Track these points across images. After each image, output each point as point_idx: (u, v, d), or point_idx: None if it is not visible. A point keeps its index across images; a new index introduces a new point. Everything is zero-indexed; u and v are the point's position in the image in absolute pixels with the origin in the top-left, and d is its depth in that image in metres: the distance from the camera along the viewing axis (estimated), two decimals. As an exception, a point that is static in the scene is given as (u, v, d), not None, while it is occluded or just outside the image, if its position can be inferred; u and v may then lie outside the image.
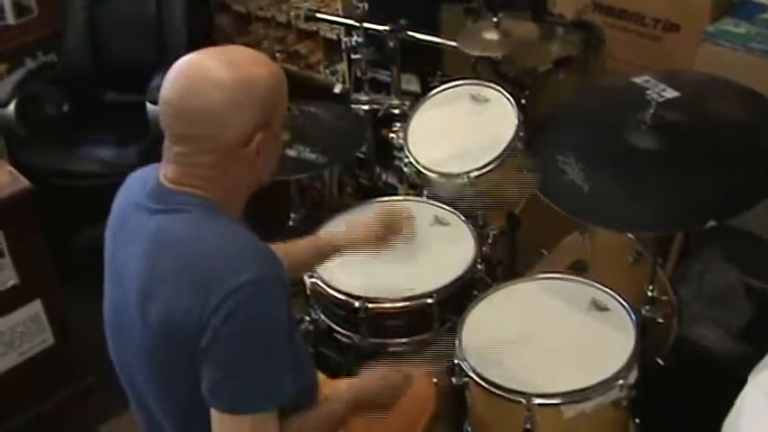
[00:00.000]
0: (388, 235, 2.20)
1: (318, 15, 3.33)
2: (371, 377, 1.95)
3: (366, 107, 3.07)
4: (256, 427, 1.59)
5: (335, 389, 1.93)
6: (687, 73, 2.69)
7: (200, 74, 1.58)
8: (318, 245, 2.20)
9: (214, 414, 1.59)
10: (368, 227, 2.19)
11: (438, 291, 2.31)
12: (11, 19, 3.74)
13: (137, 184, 1.73)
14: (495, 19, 2.77)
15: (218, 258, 1.57)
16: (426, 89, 2.97)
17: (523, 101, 2.84)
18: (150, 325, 1.61)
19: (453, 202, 2.57)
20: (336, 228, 2.52)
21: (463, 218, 2.54)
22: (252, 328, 1.54)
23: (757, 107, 2.30)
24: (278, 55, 2.89)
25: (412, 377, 1.98)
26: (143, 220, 1.65)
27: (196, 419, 1.64)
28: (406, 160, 2.65)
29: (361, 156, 3.27)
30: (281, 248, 1.90)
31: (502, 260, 2.73)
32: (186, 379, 1.61)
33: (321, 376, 2.01)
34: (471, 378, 2.07)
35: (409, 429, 2.11)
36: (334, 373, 2.09)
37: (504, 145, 2.53)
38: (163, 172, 1.66)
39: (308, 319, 2.56)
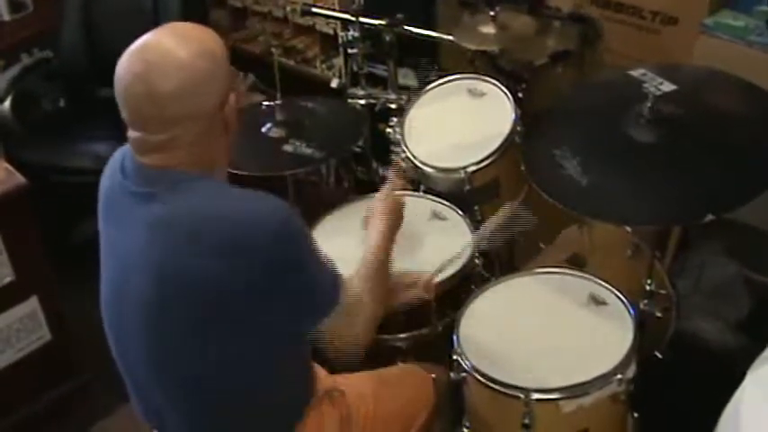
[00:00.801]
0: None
1: (315, 10, 3.33)
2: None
3: (363, 102, 3.06)
4: (346, 309, 1.76)
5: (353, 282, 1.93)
6: (685, 66, 2.68)
7: (167, 55, 1.58)
8: None
9: (327, 323, 1.73)
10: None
11: (436, 286, 2.30)
12: (6, 15, 3.73)
13: (115, 165, 1.74)
14: (491, 13, 2.77)
15: (238, 221, 1.60)
16: (423, 83, 2.97)
17: (520, 95, 2.84)
18: (166, 305, 1.62)
19: (450, 197, 2.56)
20: (333, 225, 2.53)
21: (460, 212, 2.53)
22: (296, 258, 1.65)
23: (755, 100, 2.29)
24: (274, 50, 2.88)
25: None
26: (137, 210, 1.65)
27: (197, 401, 1.64)
28: (403, 155, 2.64)
29: (358, 150, 3.26)
30: None
31: (499, 254, 2.73)
32: (194, 350, 1.63)
33: (321, 372, 2.01)
34: (469, 373, 2.06)
35: (409, 419, 2.11)
36: (332, 369, 2.08)
37: (501, 139, 2.52)
38: (140, 161, 1.65)
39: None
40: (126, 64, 1.60)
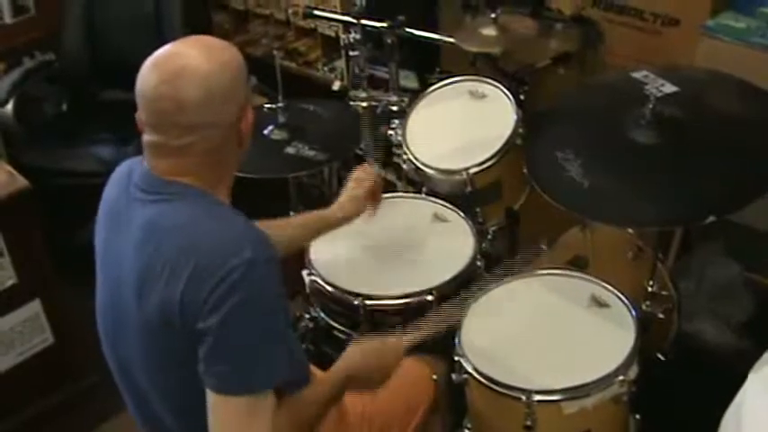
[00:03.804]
0: (372, 198, 2.34)
1: (316, 12, 3.32)
2: (361, 357, 1.92)
3: (364, 104, 3.06)
4: (252, 407, 1.60)
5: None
6: (686, 68, 2.68)
7: (195, 64, 1.61)
8: (311, 218, 2.29)
9: (210, 396, 1.60)
10: (352, 196, 2.30)
11: (438, 287, 2.30)
12: (8, 18, 3.73)
13: (122, 178, 1.76)
14: (493, 15, 2.77)
15: (213, 242, 1.60)
16: (424, 86, 2.97)
17: (522, 97, 2.84)
18: (150, 314, 1.62)
19: (452, 199, 2.56)
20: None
21: (462, 214, 2.53)
22: (248, 308, 1.57)
23: (757, 101, 2.29)
24: (276, 52, 2.88)
25: (401, 350, 1.99)
26: (136, 212, 1.67)
27: (195, 407, 1.64)
28: (405, 157, 2.64)
29: (360, 153, 3.26)
30: (275, 225, 2.04)
31: (501, 256, 2.73)
32: (185, 366, 1.62)
33: (316, 371, 2.01)
34: (471, 375, 2.06)
35: (409, 420, 2.11)
36: (327, 367, 2.08)
37: (502, 141, 2.52)
38: (152, 165, 1.68)
39: (307, 316, 2.55)
40: (151, 70, 1.63)
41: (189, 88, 1.59)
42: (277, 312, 1.64)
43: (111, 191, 1.80)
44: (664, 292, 2.45)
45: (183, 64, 1.61)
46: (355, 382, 1.88)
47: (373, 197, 2.35)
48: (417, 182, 2.70)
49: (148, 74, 1.62)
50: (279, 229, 2.09)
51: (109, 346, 1.82)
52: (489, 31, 2.76)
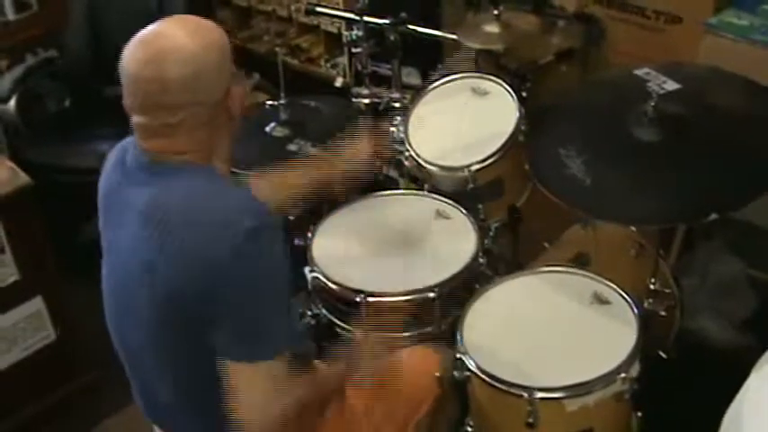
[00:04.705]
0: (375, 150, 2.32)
1: (319, 9, 3.33)
2: (364, 354, 1.95)
3: (367, 101, 3.06)
4: (271, 372, 1.63)
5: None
6: (688, 65, 2.68)
7: (177, 43, 1.63)
8: (313, 172, 2.29)
9: (230, 366, 1.63)
10: (354, 147, 2.30)
11: (440, 284, 2.30)
12: (11, 14, 3.73)
13: (117, 163, 1.78)
14: (495, 12, 2.77)
15: (216, 215, 1.62)
16: (427, 82, 2.97)
17: (524, 94, 2.83)
18: (157, 294, 1.64)
19: (454, 196, 2.56)
20: (338, 224, 2.53)
21: (464, 211, 2.53)
22: (258, 274, 1.61)
23: (760, 99, 2.29)
24: (278, 49, 2.88)
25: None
26: (133, 195, 1.69)
27: (205, 388, 1.65)
28: (407, 154, 2.64)
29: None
30: (276, 180, 2.13)
31: (503, 253, 2.73)
32: (194, 344, 1.64)
33: (319, 364, 2.02)
34: (473, 372, 2.06)
35: (411, 417, 2.11)
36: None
37: (505, 138, 2.52)
38: (143, 146, 1.69)
39: (309, 313, 2.55)
40: (135, 50, 1.64)
41: (173, 68, 1.60)
42: (286, 276, 1.67)
43: (106, 178, 1.82)
44: (666, 290, 2.44)
45: (166, 44, 1.62)
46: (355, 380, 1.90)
47: (378, 151, 2.34)
48: (419, 179, 2.70)
49: (131, 55, 1.63)
50: (275, 192, 2.14)
51: (116, 331, 1.82)
52: (492, 28, 2.76)
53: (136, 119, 1.67)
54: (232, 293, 1.59)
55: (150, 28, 1.67)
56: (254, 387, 1.63)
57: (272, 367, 1.64)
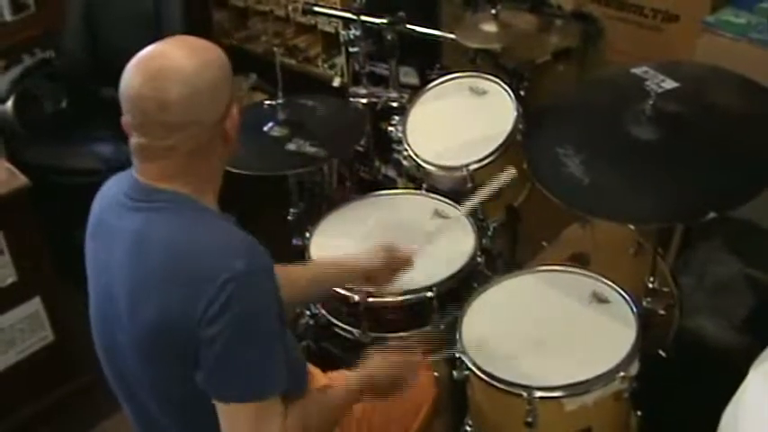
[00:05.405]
0: (387, 272, 2.17)
1: (316, 9, 3.32)
2: (379, 367, 1.92)
3: (365, 100, 3.05)
4: (262, 412, 1.61)
5: (341, 375, 1.93)
6: (686, 63, 2.67)
7: (177, 64, 1.61)
8: (327, 267, 2.22)
9: (219, 406, 1.60)
10: (370, 262, 2.14)
11: (438, 284, 2.30)
12: (8, 15, 3.72)
13: (112, 188, 1.76)
14: (493, 11, 2.77)
15: (206, 253, 1.60)
16: (425, 82, 2.96)
17: (522, 93, 2.84)
18: (143, 328, 1.62)
19: (453, 195, 2.56)
20: (336, 224, 2.53)
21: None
22: (247, 317, 1.57)
23: (757, 97, 2.29)
24: (276, 49, 2.87)
25: (415, 365, 1.98)
26: (124, 221, 1.67)
27: (194, 413, 1.64)
28: (405, 153, 2.64)
29: (360, 149, 3.26)
30: (290, 274, 1.98)
31: (502, 252, 2.72)
32: (182, 374, 1.61)
33: (315, 370, 2.01)
34: (472, 371, 2.06)
35: (410, 418, 2.11)
36: (334, 368, 2.08)
37: (502, 137, 2.52)
38: (139, 170, 1.67)
39: (308, 313, 2.55)
40: (135, 70, 1.62)
41: (171, 87, 1.59)
42: (276, 319, 1.64)
43: (98, 203, 1.79)
44: (664, 289, 2.44)
45: (166, 64, 1.61)
46: (370, 391, 1.88)
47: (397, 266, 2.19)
48: (418, 178, 2.70)
49: (131, 75, 1.62)
50: (292, 281, 1.99)
51: (104, 358, 1.81)
52: (490, 27, 2.76)
53: (134, 139, 1.65)
54: (216, 332, 1.56)
55: (148, 49, 1.65)
56: (235, 428, 1.61)
57: (252, 410, 1.60)
